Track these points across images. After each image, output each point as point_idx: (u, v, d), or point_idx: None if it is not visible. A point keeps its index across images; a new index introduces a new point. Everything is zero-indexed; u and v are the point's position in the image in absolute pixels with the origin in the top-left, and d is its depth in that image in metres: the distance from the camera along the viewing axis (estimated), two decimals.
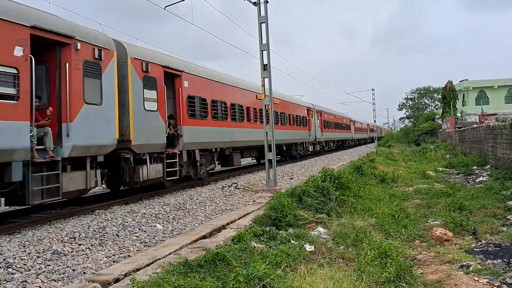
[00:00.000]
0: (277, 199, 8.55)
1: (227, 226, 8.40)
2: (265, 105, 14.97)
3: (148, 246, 7.50)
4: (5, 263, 6.03)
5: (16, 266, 6.02)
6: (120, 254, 6.98)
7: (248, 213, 9.62)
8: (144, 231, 8.38)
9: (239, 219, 9.10)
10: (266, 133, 14.80)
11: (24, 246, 6.86)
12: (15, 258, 6.29)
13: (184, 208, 10.71)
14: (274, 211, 7.98)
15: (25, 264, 6.13)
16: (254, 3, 14.75)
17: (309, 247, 6.46)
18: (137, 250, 7.23)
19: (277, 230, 7.31)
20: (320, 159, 29.96)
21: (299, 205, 8.99)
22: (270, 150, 14.65)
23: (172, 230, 8.71)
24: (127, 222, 8.87)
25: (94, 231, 8.05)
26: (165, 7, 16.70)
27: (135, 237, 7.96)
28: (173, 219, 9.61)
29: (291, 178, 17.75)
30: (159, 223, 9.09)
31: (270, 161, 14.63)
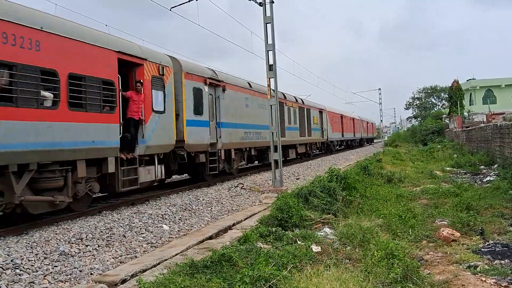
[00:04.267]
0: (283, 199, 8.54)
1: (233, 227, 8.42)
2: (271, 105, 14.98)
3: (154, 247, 7.53)
4: (13, 264, 6.06)
5: (23, 267, 6.05)
6: (127, 255, 7.00)
7: (254, 214, 9.63)
8: (151, 232, 8.40)
9: (245, 219, 9.11)
10: (272, 133, 14.84)
11: (31, 247, 6.89)
12: (23, 259, 6.32)
13: (190, 209, 10.73)
14: (280, 211, 7.98)
15: (32, 265, 6.16)
16: (260, 4, 14.77)
17: (315, 248, 6.44)
18: (144, 251, 7.25)
19: (283, 231, 7.30)
20: (327, 159, 29.88)
21: (305, 205, 8.98)
22: (276, 151, 14.67)
23: (178, 230, 8.73)
24: (133, 223, 8.89)
25: (101, 232, 8.08)
26: (171, 8, 16.74)
27: (142, 238, 7.98)
28: (179, 219, 9.63)
29: (297, 178, 17.74)
30: (165, 224, 9.11)
31: (276, 161, 14.65)
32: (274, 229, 7.25)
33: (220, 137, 15.89)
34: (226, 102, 16.65)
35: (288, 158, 25.91)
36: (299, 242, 6.67)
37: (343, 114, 44.94)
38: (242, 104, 18.32)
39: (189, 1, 16.88)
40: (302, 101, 29.14)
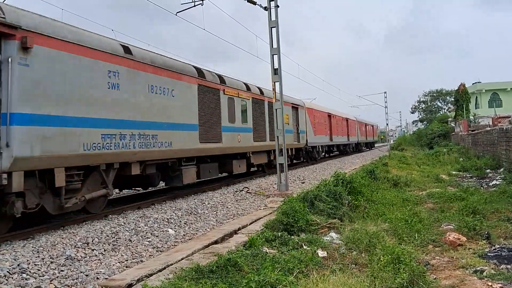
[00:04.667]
0: (289, 203, 8.53)
1: (239, 231, 8.42)
2: (276, 109, 15.00)
3: (160, 251, 7.54)
4: (19, 269, 6.09)
5: (30, 271, 6.08)
6: (133, 259, 7.02)
7: (260, 218, 9.63)
8: (156, 236, 8.42)
9: (250, 224, 9.11)
10: (277, 137, 14.84)
11: (38, 252, 6.92)
12: (29, 263, 6.35)
13: (195, 213, 10.75)
14: (285, 216, 7.96)
15: (39, 270, 6.18)
16: (265, 8, 14.82)
17: (321, 253, 6.43)
18: (150, 255, 7.27)
19: (289, 235, 7.29)
20: (332, 163, 29.83)
21: (311, 209, 8.96)
22: (281, 154, 14.67)
23: (184, 235, 8.75)
24: (139, 227, 8.92)
25: (107, 236, 8.11)
26: (177, 13, 16.82)
27: (148, 242, 8.00)
28: (184, 223, 9.65)
29: (302, 182, 17.72)
30: (171, 228, 9.13)
31: (281, 165, 14.65)
32: (279, 233, 7.23)
33: (8, 146, 7.72)
34: (40, 72, 8.44)
35: (233, 173, 18.34)
36: (305, 247, 6.66)
37: (332, 113, 36.91)
38: (98, 83, 9.91)
39: (194, 6, 16.95)
40: (260, 90, 20.38)
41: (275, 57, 14.68)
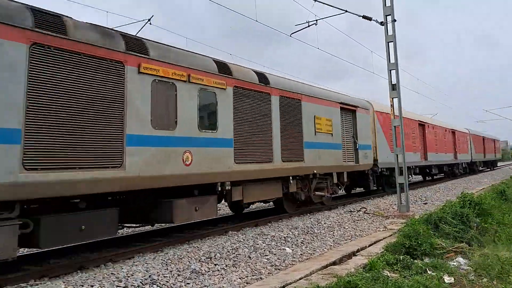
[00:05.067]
0: (411, 226, 8.18)
1: (358, 253, 8.23)
2: (394, 126, 14.52)
3: (278, 269, 7.62)
4: (151, 280, 6.55)
5: (159, 283, 6.51)
6: (253, 275, 7.18)
7: (379, 240, 9.32)
8: (274, 254, 8.53)
9: (369, 245, 8.85)
10: (397, 155, 14.32)
11: (166, 264, 7.38)
12: (159, 275, 6.80)
13: (312, 232, 10.71)
14: (408, 238, 7.63)
15: (167, 281, 6.59)
16: (381, 23, 14.54)
17: (448, 279, 6.05)
18: (268, 273, 7.38)
19: (411, 259, 6.96)
20: (457, 182, 27.96)
21: (435, 232, 8.49)
22: (401, 174, 14.12)
23: (301, 254, 8.75)
24: (257, 244, 9.11)
25: (228, 251, 8.39)
26: (291, 34, 17.19)
27: (266, 260, 8.13)
28: (301, 243, 9.65)
29: (424, 203, 16.83)
30: (288, 247, 9.19)
31: (401, 184, 14.08)
32: (401, 257, 6.95)
33: None
34: None
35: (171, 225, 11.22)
36: (429, 272, 6.31)
37: (425, 121, 27.29)
38: None
39: (308, 26, 17.19)
40: (260, 77, 11.89)
41: (393, 72, 14.28)
